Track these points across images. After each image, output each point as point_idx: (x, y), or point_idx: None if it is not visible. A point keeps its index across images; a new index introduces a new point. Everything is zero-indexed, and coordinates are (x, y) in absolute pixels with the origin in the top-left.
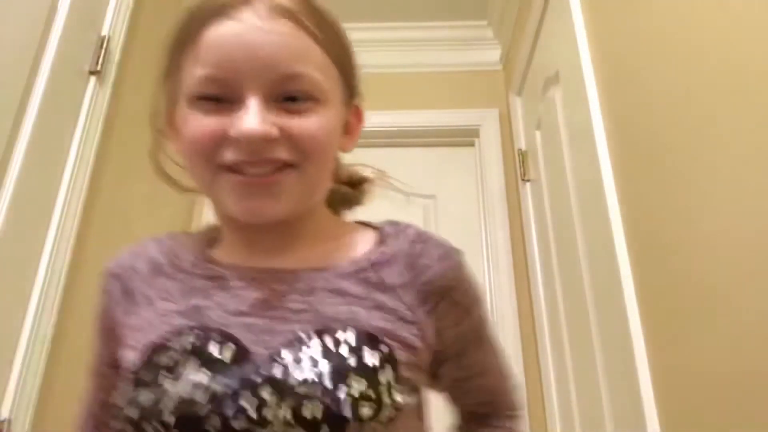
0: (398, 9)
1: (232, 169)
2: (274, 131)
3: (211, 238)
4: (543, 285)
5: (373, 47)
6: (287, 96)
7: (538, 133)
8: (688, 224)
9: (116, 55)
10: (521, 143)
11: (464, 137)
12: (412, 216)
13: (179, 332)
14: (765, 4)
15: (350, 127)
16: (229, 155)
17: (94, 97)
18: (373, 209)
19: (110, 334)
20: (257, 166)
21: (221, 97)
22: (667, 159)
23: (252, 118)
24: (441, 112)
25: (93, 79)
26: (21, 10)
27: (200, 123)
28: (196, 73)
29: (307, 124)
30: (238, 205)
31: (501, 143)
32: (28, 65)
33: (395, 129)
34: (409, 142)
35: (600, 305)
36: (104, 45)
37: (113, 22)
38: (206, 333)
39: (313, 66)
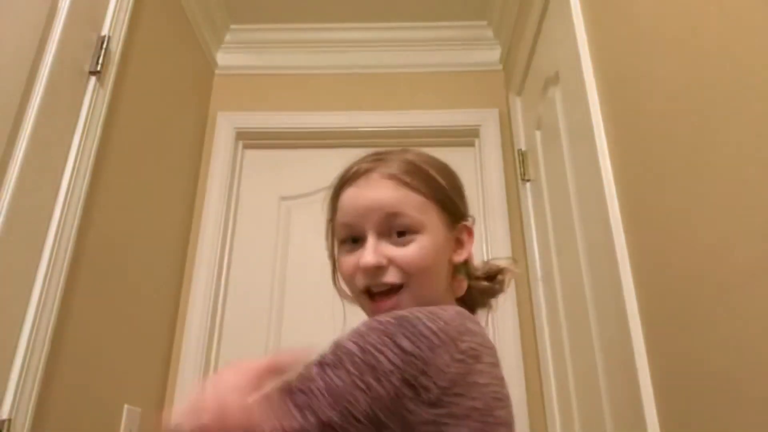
0: (398, 9)
1: (367, 292)
2: (383, 261)
3: None
4: (542, 284)
5: (374, 47)
6: (396, 231)
7: (538, 133)
8: (688, 224)
9: (116, 55)
10: (521, 143)
11: (464, 137)
12: None
13: None
14: (764, 3)
15: (461, 242)
16: (360, 281)
17: (94, 97)
18: None
19: None
20: (378, 287)
21: (355, 238)
22: (667, 158)
23: (367, 253)
24: (441, 112)
25: (93, 79)
26: (21, 10)
27: (345, 260)
28: (339, 221)
29: (407, 252)
30: None
31: (501, 143)
32: (28, 65)
33: (395, 129)
34: (409, 142)
35: (600, 305)
36: (104, 45)
37: (113, 22)
38: None
39: (410, 207)
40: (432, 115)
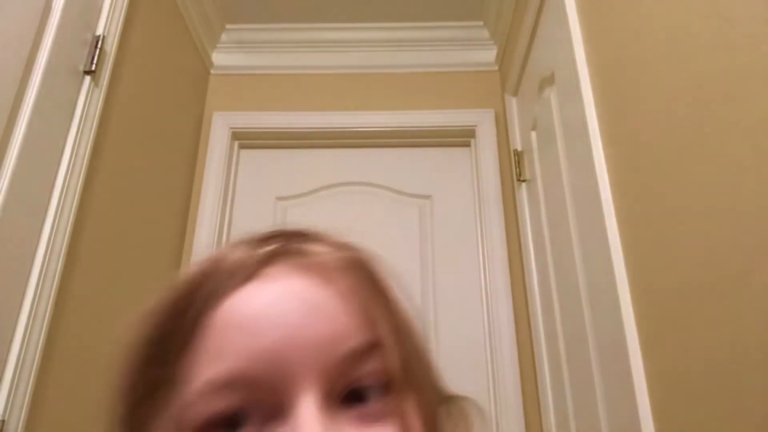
0: (393, 9)
1: None
2: None
3: None
4: (538, 285)
5: (368, 47)
6: (353, 389)
7: (533, 134)
8: (684, 225)
9: (111, 54)
10: (517, 143)
11: (460, 137)
12: (408, 216)
13: None
14: (759, 6)
15: None
16: None
17: (88, 97)
18: (367, 210)
19: None
20: None
21: (247, 413)
22: (662, 158)
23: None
24: (437, 113)
25: (87, 78)
26: (15, 9)
27: None
28: (201, 378)
29: None
30: None
31: (497, 143)
32: (22, 64)
33: (391, 129)
34: (404, 142)
35: (595, 305)
36: (99, 44)
37: (108, 21)
38: None
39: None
40: (427, 115)
